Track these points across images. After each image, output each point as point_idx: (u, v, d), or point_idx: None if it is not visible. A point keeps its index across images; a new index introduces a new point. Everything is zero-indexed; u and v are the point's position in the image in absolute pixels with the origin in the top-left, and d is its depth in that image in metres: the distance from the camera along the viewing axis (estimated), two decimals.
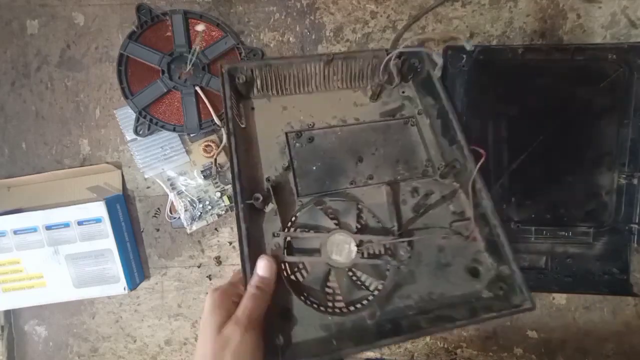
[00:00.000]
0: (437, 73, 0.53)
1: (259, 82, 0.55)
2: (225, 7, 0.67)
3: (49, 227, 0.64)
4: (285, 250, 0.46)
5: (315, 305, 0.45)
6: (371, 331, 0.44)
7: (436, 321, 0.44)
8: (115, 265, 0.65)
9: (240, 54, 0.65)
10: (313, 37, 0.67)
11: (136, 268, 0.69)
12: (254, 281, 0.42)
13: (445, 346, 0.70)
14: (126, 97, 0.65)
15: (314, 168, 0.53)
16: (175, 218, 0.69)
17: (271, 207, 0.48)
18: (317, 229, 0.48)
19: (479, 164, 0.47)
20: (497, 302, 0.46)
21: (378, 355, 0.72)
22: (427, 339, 0.71)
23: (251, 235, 0.45)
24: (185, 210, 0.67)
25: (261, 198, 0.46)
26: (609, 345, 0.68)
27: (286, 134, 0.54)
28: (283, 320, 0.44)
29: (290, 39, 0.67)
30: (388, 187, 0.50)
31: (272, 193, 0.46)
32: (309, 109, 0.56)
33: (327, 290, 0.47)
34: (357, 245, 0.46)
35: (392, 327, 0.44)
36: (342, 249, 0.46)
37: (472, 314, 0.44)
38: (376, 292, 0.46)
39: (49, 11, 0.68)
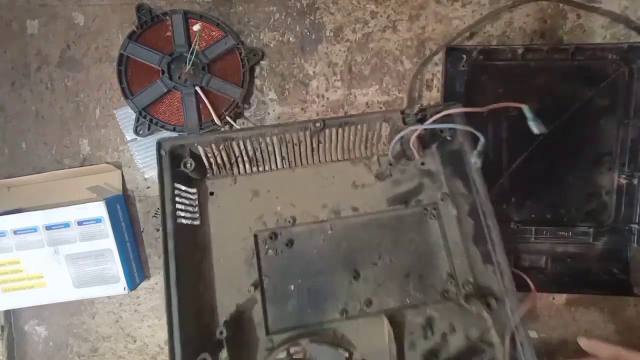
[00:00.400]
0: (476, 161, 0.38)
1: (218, 159, 0.41)
2: (225, 7, 0.67)
3: (49, 227, 0.64)
4: None
5: None
6: None
7: None
8: (115, 265, 0.65)
9: (240, 53, 0.65)
10: (313, 37, 0.67)
11: (136, 268, 0.69)
12: None
13: None
14: (126, 97, 0.65)
15: (292, 287, 0.39)
16: None
17: (225, 358, 0.36)
18: None
19: (524, 308, 0.34)
20: None
21: None
22: None
23: None
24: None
25: None
26: None
27: (255, 236, 0.41)
28: None
29: (290, 39, 0.67)
30: (389, 324, 0.37)
31: (226, 346, 0.35)
32: (290, 193, 0.42)
33: None
34: None
35: None
36: None
37: None
38: None
39: (49, 11, 0.68)
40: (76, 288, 0.66)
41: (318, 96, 0.67)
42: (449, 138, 0.41)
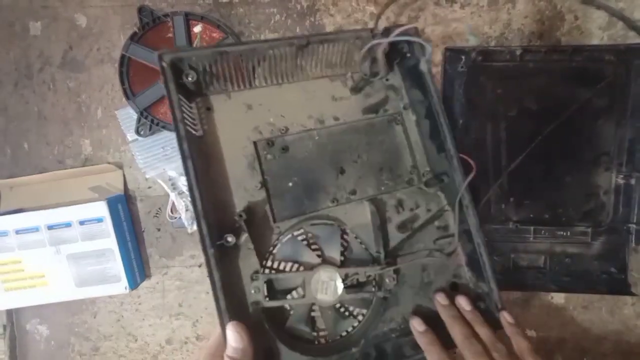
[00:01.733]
0: (424, 66, 0.46)
1: (214, 74, 0.44)
2: (226, 8, 0.67)
3: (50, 227, 0.64)
4: (266, 293, 0.42)
5: (299, 350, 0.42)
6: None
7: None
8: (116, 265, 0.65)
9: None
10: None
11: (137, 267, 0.69)
12: (228, 351, 0.38)
13: None
14: (128, 98, 0.65)
15: (290, 185, 0.45)
16: (176, 218, 0.69)
17: (245, 237, 0.42)
18: (299, 263, 0.44)
19: (467, 179, 0.44)
20: None
21: None
22: None
23: (227, 283, 0.40)
24: (186, 210, 0.68)
25: (233, 239, 0.40)
26: (607, 344, 0.68)
27: (255, 143, 0.45)
28: None
29: None
30: (372, 205, 0.46)
31: (244, 227, 0.41)
32: (280, 106, 0.47)
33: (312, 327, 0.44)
34: (343, 280, 0.43)
35: (377, 354, 0.44)
36: (328, 286, 0.43)
37: None
38: (361, 319, 0.46)
39: (51, 13, 0.69)
40: (77, 287, 0.66)
41: None
42: (408, 55, 0.48)
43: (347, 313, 0.46)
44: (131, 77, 0.66)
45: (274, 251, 0.44)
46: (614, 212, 0.62)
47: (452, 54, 0.62)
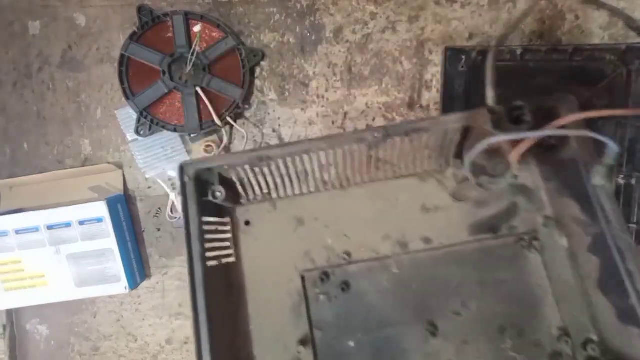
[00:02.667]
0: (604, 183, 0.29)
1: (254, 181, 0.33)
2: (225, 8, 0.67)
3: (50, 227, 0.64)
4: None
5: None
6: None
7: None
8: (116, 265, 0.65)
9: (240, 54, 0.66)
10: (313, 38, 0.67)
11: (137, 267, 0.69)
12: None
13: None
14: (127, 98, 0.65)
15: (352, 344, 0.30)
16: (176, 218, 0.69)
17: None
18: None
19: None
20: None
21: None
22: None
23: None
24: None
25: None
26: None
27: (302, 277, 0.32)
28: None
29: (291, 39, 0.67)
30: None
31: None
32: (342, 221, 0.33)
33: None
34: None
35: None
36: None
37: None
38: None
39: (51, 12, 0.69)
40: (77, 287, 0.66)
41: (318, 97, 0.67)
42: (553, 142, 0.32)
43: None
44: (131, 76, 0.66)
45: None
46: None
47: (453, 54, 0.62)
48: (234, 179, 0.32)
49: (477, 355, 0.29)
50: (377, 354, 0.29)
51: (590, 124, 0.31)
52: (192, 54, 0.63)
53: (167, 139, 0.67)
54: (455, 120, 0.30)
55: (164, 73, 0.65)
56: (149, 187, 0.70)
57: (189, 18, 0.65)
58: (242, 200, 0.34)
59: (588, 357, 0.29)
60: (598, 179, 0.29)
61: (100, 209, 0.64)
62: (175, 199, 0.68)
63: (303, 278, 0.32)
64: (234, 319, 0.30)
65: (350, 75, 0.67)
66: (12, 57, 0.69)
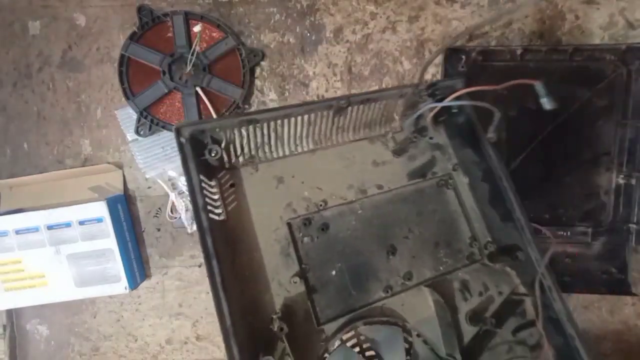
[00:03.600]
0: (492, 136, 0.41)
1: (239, 145, 0.37)
2: (225, 8, 0.67)
3: (50, 227, 0.64)
4: None
5: None
6: None
7: None
8: (116, 265, 0.65)
9: (240, 54, 0.66)
10: (313, 38, 0.67)
11: (137, 268, 0.69)
12: None
13: None
14: (127, 98, 0.65)
15: (334, 273, 0.37)
16: (176, 218, 0.69)
17: (283, 349, 0.34)
18: None
19: (547, 255, 0.37)
20: None
21: None
22: None
23: None
24: (186, 210, 0.68)
25: None
26: (607, 343, 0.68)
27: (288, 224, 0.38)
28: None
29: (291, 39, 0.67)
30: (435, 292, 0.39)
31: (284, 340, 0.33)
32: (315, 176, 0.40)
33: None
34: None
35: None
36: None
37: None
38: None
39: (51, 12, 0.68)
40: (77, 287, 0.66)
41: (318, 96, 0.67)
42: (454, 111, 0.43)
43: None
44: (131, 76, 0.66)
45: None
46: (614, 212, 0.62)
47: (453, 54, 0.62)
48: (224, 141, 0.36)
49: (423, 265, 0.40)
50: (354, 276, 0.38)
51: (480, 96, 0.43)
52: (192, 54, 0.63)
53: (167, 139, 0.67)
54: (394, 94, 0.40)
55: (164, 73, 0.65)
56: (149, 187, 0.70)
57: (189, 18, 0.65)
58: (227, 165, 0.39)
59: (489, 253, 0.42)
60: (490, 133, 0.41)
61: (100, 209, 0.64)
62: (175, 199, 0.68)
63: (289, 225, 0.38)
64: (233, 268, 0.35)
65: (350, 75, 0.67)
66: (12, 57, 0.69)
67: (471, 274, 0.41)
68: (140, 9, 0.65)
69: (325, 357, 0.36)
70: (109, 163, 0.70)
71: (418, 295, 0.39)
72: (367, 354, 0.36)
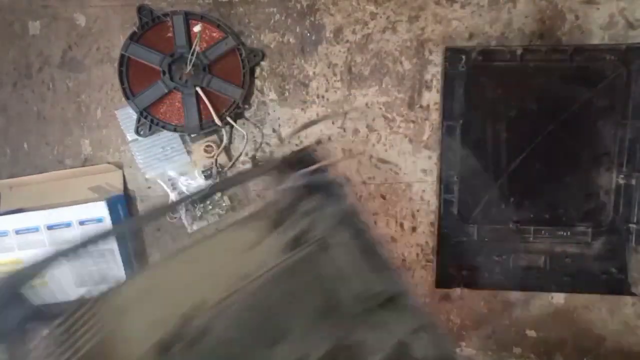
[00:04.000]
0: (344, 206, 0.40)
1: None
2: (225, 8, 0.67)
3: (50, 227, 0.64)
4: None
5: None
6: None
7: None
8: (116, 265, 0.65)
9: (240, 54, 0.66)
10: (313, 38, 0.67)
11: (137, 268, 0.69)
12: None
13: None
14: (127, 98, 0.65)
15: None
16: (176, 218, 0.69)
17: None
18: None
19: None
20: None
21: None
22: None
23: None
24: (186, 210, 0.68)
25: None
26: (608, 344, 0.68)
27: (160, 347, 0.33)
28: None
29: (291, 39, 0.67)
30: None
31: None
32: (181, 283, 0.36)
33: None
34: None
35: None
36: None
37: None
38: None
39: (51, 12, 0.68)
40: (77, 288, 0.66)
41: (318, 97, 0.67)
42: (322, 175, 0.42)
43: None
44: (131, 76, 0.66)
45: None
46: (615, 212, 0.62)
47: (453, 54, 0.62)
48: None
49: (317, 339, 0.35)
50: None
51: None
52: (192, 54, 0.63)
53: (167, 139, 0.67)
54: (259, 173, 0.41)
55: (164, 73, 0.65)
56: (149, 187, 0.70)
57: (189, 18, 0.65)
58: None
59: (373, 306, 0.38)
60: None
61: (100, 209, 0.64)
62: (175, 199, 0.68)
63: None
64: None
65: (350, 75, 0.67)
66: (12, 57, 0.69)
67: (366, 330, 0.37)
68: (140, 9, 0.65)
69: None
70: (109, 163, 0.70)
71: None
72: None
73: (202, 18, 0.65)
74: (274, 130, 0.68)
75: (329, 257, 0.39)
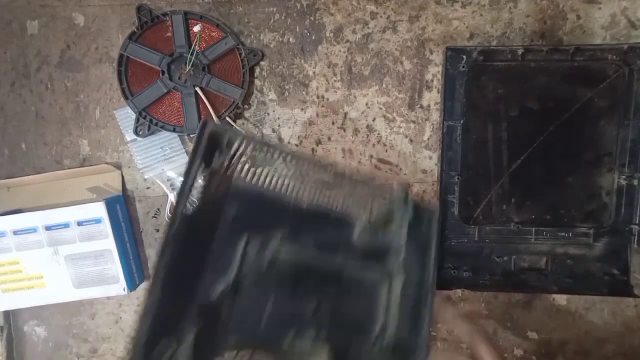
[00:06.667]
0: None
1: (243, 160, 0.41)
2: (225, 7, 0.67)
3: (48, 228, 0.64)
4: None
5: None
6: None
7: None
8: (115, 266, 0.65)
9: (240, 54, 0.66)
10: (313, 38, 0.67)
11: (136, 269, 0.69)
12: None
13: (445, 347, 0.70)
14: (126, 98, 0.65)
15: (260, 301, 0.40)
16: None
17: (188, 346, 0.37)
18: None
19: None
20: None
21: None
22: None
23: None
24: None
25: (171, 349, 0.37)
26: (610, 346, 0.68)
27: (247, 241, 0.40)
28: None
29: (291, 39, 0.67)
30: (331, 354, 0.41)
31: (191, 340, 0.37)
32: (287, 219, 0.42)
33: None
34: None
35: None
36: None
37: None
38: None
39: (49, 12, 0.68)
40: (76, 289, 0.65)
41: (318, 97, 0.67)
42: (416, 222, 0.45)
43: None
44: (130, 77, 0.65)
45: None
46: (617, 214, 0.61)
47: (454, 54, 0.61)
48: (231, 151, 0.40)
49: (333, 331, 0.42)
50: (274, 313, 0.40)
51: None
52: (192, 54, 0.62)
53: (167, 139, 0.67)
54: (383, 191, 0.45)
55: (163, 73, 0.64)
56: (148, 188, 0.70)
57: (188, 18, 0.65)
58: (222, 172, 0.40)
59: (388, 347, 0.42)
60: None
61: (99, 209, 0.63)
62: (174, 199, 0.67)
63: (247, 242, 0.40)
64: (179, 261, 0.37)
65: (351, 75, 0.67)
66: (10, 57, 0.69)
67: (368, 354, 0.42)
68: (139, 9, 0.65)
69: None
70: (107, 164, 0.69)
71: (317, 351, 0.41)
72: None
73: (201, 18, 0.65)
74: (273, 131, 0.68)
75: (387, 291, 0.43)
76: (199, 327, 0.36)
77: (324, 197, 0.43)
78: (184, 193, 0.37)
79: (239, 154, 0.40)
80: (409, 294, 0.44)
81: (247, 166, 0.41)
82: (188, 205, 0.38)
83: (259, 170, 0.41)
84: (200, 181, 0.39)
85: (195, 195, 0.39)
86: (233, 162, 0.41)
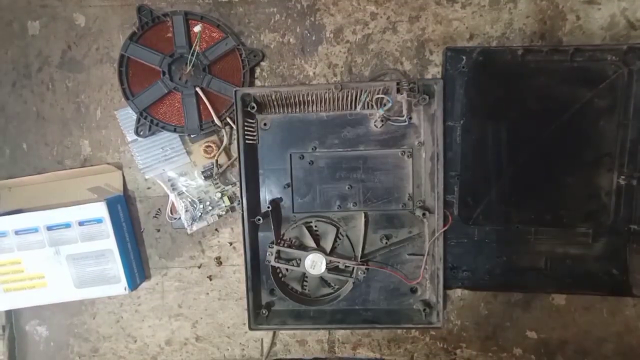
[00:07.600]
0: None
1: (270, 102, 0.60)
2: (225, 8, 0.67)
3: (50, 228, 0.64)
4: (276, 257, 0.61)
5: (289, 295, 0.64)
6: (326, 318, 0.65)
7: (369, 322, 0.64)
8: (115, 266, 0.65)
9: (240, 54, 0.66)
10: (313, 38, 0.67)
11: (137, 268, 0.69)
12: None
13: (445, 346, 0.71)
14: (127, 98, 0.65)
15: (310, 189, 0.63)
16: (175, 219, 0.69)
17: (269, 219, 0.61)
18: (300, 244, 0.63)
19: (442, 229, 0.60)
20: (418, 316, 0.63)
21: (378, 356, 0.72)
22: (427, 339, 0.71)
23: (253, 246, 0.63)
24: (186, 211, 0.67)
25: (260, 221, 0.61)
26: (608, 345, 0.68)
27: (290, 155, 0.63)
28: (269, 296, 0.65)
29: (291, 40, 0.67)
30: (366, 217, 0.63)
31: (270, 213, 0.60)
32: (315, 130, 0.62)
33: (303, 284, 0.65)
34: (327, 263, 0.62)
35: (341, 317, 0.65)
36: (316, 264, 0.62)
37: (396, 321, 0.64)
38: (336, 290, 0.66)
39: (50, 12, 0.68)
40: (77, 288, 0.66)
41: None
42: (426, 103, 0.59)
43: (328, 284, 0.65)
44: (130, 77, 0.66)
45: (287, 231, 0.63)
46: (616, 214, 0.62)
47: (453, 54, 0.62)
48: (261, 100, 0.60)
49: (369, 200, 0.64)
50: (323, 194, 0.64)
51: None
52: (192, 54, 0.63)
53: (167, 139, 0.67)
54: (377, 86, 0.59)
55: (163, 73, 0.65)
56: (149, 188, 0.70)
57: (188, 18, 0.65)
58: (263, 112, 0.62)
59: (415, 207, 0.63)
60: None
61: (99, 209, 0.64)
62: (174, 199, 0.68)
63: (290, 156, 0.63)
64: (254, 173, 0.63)
65: (351, 75, 0.67)
66: (11, 57, 0.69)
67: (399, 215, 0.63)
68: (140, 9, 0.65)
69: (292, 227, 0.63)
70: (108, 164, 0.70)
71: (357, 216, 0.64)
72: (314, 235, 0.63)
73: (202, 18, 0.65)
74: None
75: (411, 162, 0.63)
76: (272, 209, 0.61)
77: (337, 104, 0.61)
78: (240, 137, 0.60)
79: (266, 100, 0.60)
80: (427, 167, 0.61)
81: (275, 104, 0.61)
82: (250, 139, 0.61)
83: (283, 104, 0.61)
84: (251, 124, 0.61)
85: (252, 132, 0.61)
86: (264, 107, 0.61)
